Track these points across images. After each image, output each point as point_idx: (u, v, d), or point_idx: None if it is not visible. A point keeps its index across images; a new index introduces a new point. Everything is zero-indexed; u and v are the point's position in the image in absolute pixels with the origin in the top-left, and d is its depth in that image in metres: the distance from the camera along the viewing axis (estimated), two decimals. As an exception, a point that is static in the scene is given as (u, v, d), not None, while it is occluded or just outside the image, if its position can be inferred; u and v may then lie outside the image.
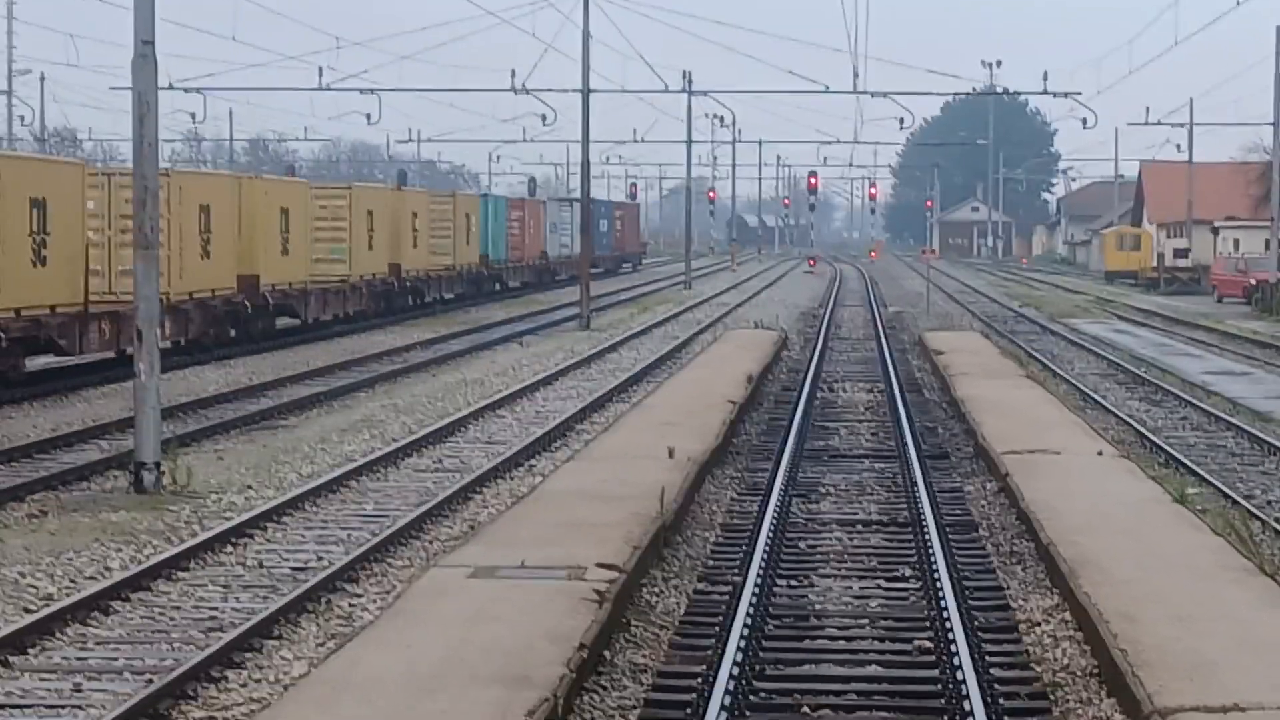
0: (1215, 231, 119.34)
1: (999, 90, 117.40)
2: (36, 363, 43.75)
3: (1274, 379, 50.77)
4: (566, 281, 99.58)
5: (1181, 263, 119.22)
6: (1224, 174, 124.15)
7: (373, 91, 78.23)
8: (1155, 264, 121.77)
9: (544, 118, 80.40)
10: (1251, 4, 78.88)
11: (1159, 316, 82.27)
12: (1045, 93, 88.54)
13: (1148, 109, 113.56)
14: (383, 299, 71.12)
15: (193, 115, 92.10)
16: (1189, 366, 54.47)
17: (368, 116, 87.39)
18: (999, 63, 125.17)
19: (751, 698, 16.04)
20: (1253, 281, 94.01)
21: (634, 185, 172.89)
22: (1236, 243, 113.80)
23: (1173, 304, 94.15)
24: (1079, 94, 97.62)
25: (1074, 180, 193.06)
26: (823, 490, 28.92)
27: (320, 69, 74.53)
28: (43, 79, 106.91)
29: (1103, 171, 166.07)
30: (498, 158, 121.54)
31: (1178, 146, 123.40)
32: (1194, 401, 43.55)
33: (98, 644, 18.17)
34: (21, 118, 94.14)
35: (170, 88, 75.36)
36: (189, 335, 49.64)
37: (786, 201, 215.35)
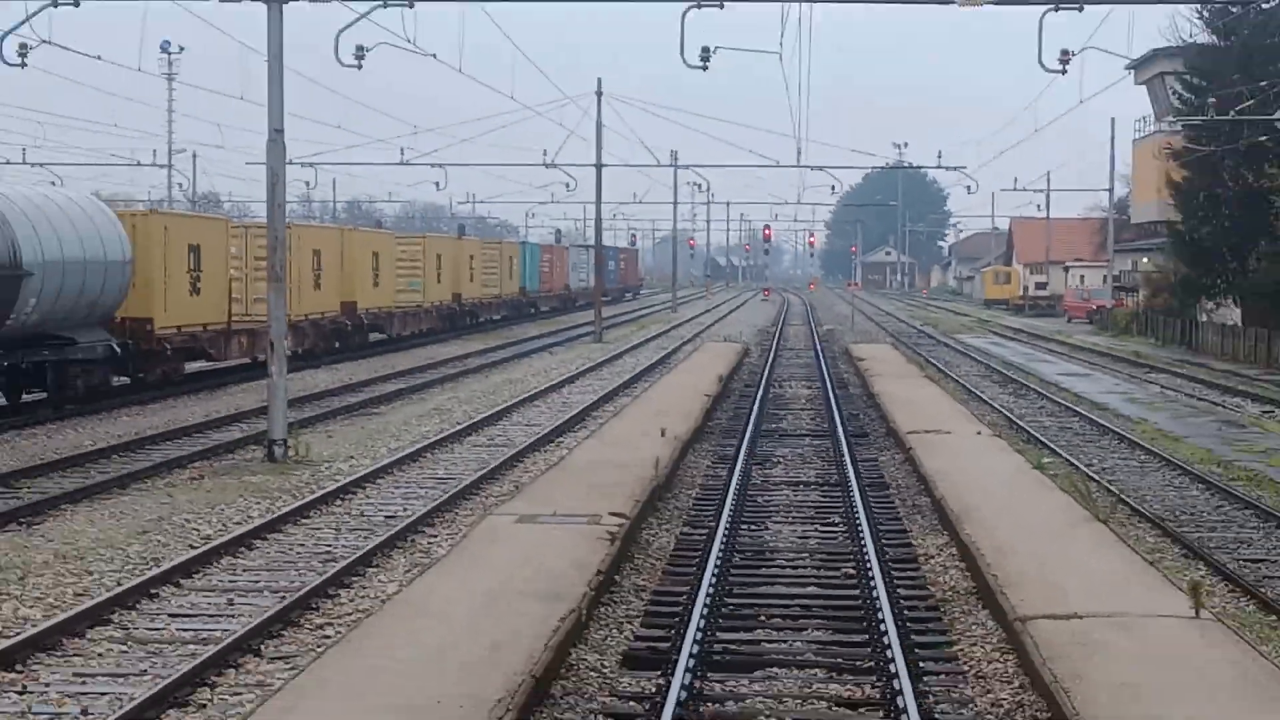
0: (1066, 270, 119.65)
1: (905, 165, 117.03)
2: (192, 366, 43.79)
3: (1109, 378, 50.58)
4: (584, 306, 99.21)
5: (1041, 293, 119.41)
6: (1073, 227, 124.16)
7: (440, 166, 78.15)
8: (1022, 294, 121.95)
9: (567, 185, 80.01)
10: (1093, 102, 79.14)
11: (1024, 333, 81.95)
12: (939, 167, 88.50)
13: (1015, 179, 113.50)
14: (447, 319, 70.73)
15: (307, 183, 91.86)
16: (1045, 369, 54.37)
17: (436, 184, 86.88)
18: (906, 144, 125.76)
19: (723, 609, 16.19)
20: (1094, 306, 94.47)
21: (634, 235, 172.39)
22: (1082, 278, 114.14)
23: (1034, 323, 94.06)
24: (964, 168, 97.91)
25: (961, 231, 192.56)
26: (775, 460, 28.92)
27: (401, 149, 74.51)
28: (195, 156, 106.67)
29: (983, 225, 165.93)
30: (533, 214, 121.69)
31: (1038, 206, 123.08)
32: (1048, 395, 43.63)
33: (244, 571, 18.42)
34: (180, 185, 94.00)
35: (290, 163, 75.02)
36: (304, 346, 49.56)
37: (747, 247, 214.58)
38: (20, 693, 12.87)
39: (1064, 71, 27.22)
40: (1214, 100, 57.64)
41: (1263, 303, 56.69)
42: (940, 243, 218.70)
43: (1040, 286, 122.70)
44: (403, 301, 63.45)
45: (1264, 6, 58.13)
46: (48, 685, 13.26)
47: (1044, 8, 25.85)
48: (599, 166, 67.72)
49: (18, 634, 14.57)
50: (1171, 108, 68.36)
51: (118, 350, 37.40)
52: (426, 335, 66.79)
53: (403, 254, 65.07)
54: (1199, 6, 56.41)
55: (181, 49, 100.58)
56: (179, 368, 42.00)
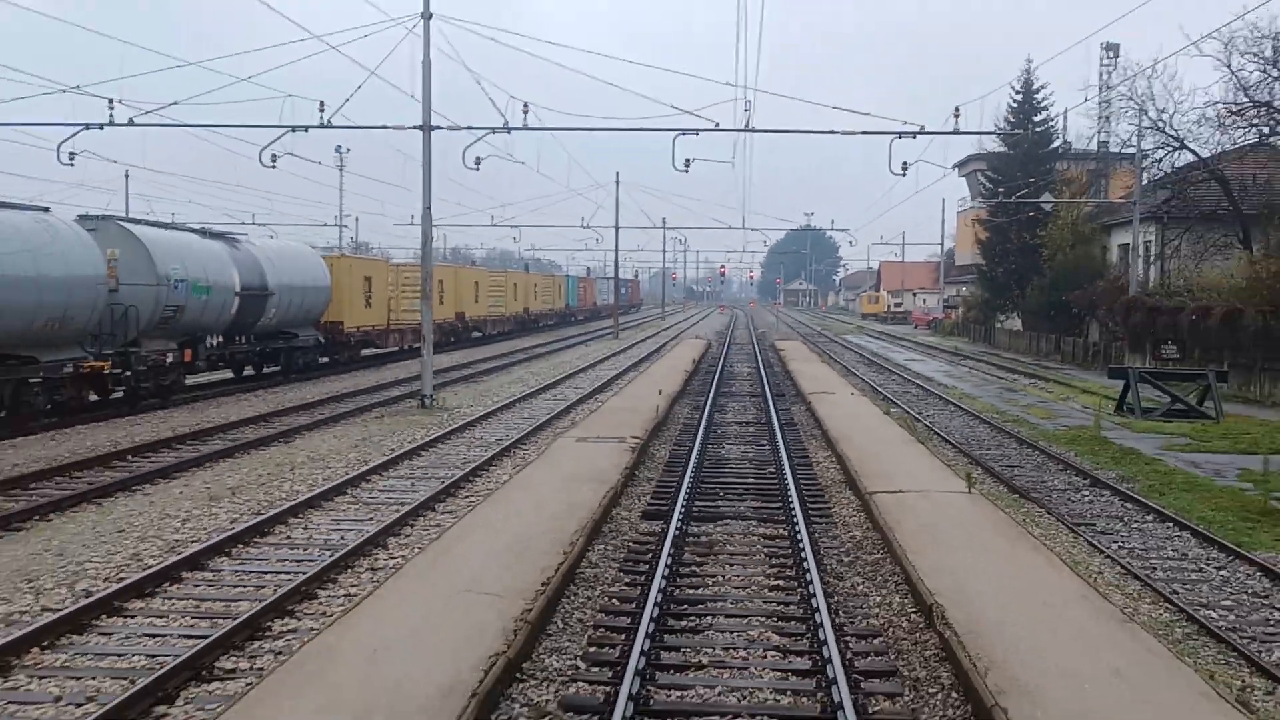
0: (914, 294, 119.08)
1: (811, 226, 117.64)
2: (366, 352, 44.19)
3: (936, 362, 50.21)
4: (606, 316, 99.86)
5: (898, 309, 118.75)
6: (919, 266, 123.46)
7: (516, 226, 79.14)
8: (886, 310, 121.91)
9: (597, 239, 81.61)
10: (934, 187, 79.83)
11: (885, 335, 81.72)
12: (834, 228, 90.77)
13: (881, 235, 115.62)
14: (519, 324, 70.14)
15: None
16: (896, 357, 53.94)
17: (514, 238, 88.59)
18: (812, 212, 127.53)
19: (698, 489, 17.12)
20: (931, 318, 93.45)
21: (636, 270, 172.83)
22: (924, 300, 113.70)
23: (892, 329, 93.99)
24: (847, 229, 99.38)
25: (846, 268, 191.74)
26: (728, 409, 29.02)
27: (491, 215, 76.10)
28: (357, 220, 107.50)
29: (860, 265, 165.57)
30: (573, 257, 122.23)
31: (895, 253, 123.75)
32: (896, 373, 43.44)
33: (418, 468, 19.21)
34: (352, 238, 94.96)
35: (415, 224, 76.07)
36: (433, 340, 50.58)
37: (710, 278, 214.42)
38: (304, 529, 14.34)
39: (904, 174, 27.85)
40: (1002, 190, 58.53)
41: (1033, 317, 57.54)
42: (834, 276, 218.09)
43: (897, 305, 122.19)
44: (492, 313, 63.73)
45: (1035, 132, 59.40)
46: (319, 525, 14.57)
47: (891, 136, 27.09)
48: (616, 228, 68.65)
49: (301, 497, 15.87)
50: (979, 192, 69.12)
51: (322, 341, 38.61)
52: (507, 334, 66.61)
53: (493, 283, 65.77)
54: (996, 132, 57.15)
55: (349, 150, 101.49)
56: (358, 352, 42.80)
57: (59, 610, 10.34)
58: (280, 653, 9.36)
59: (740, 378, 39.93)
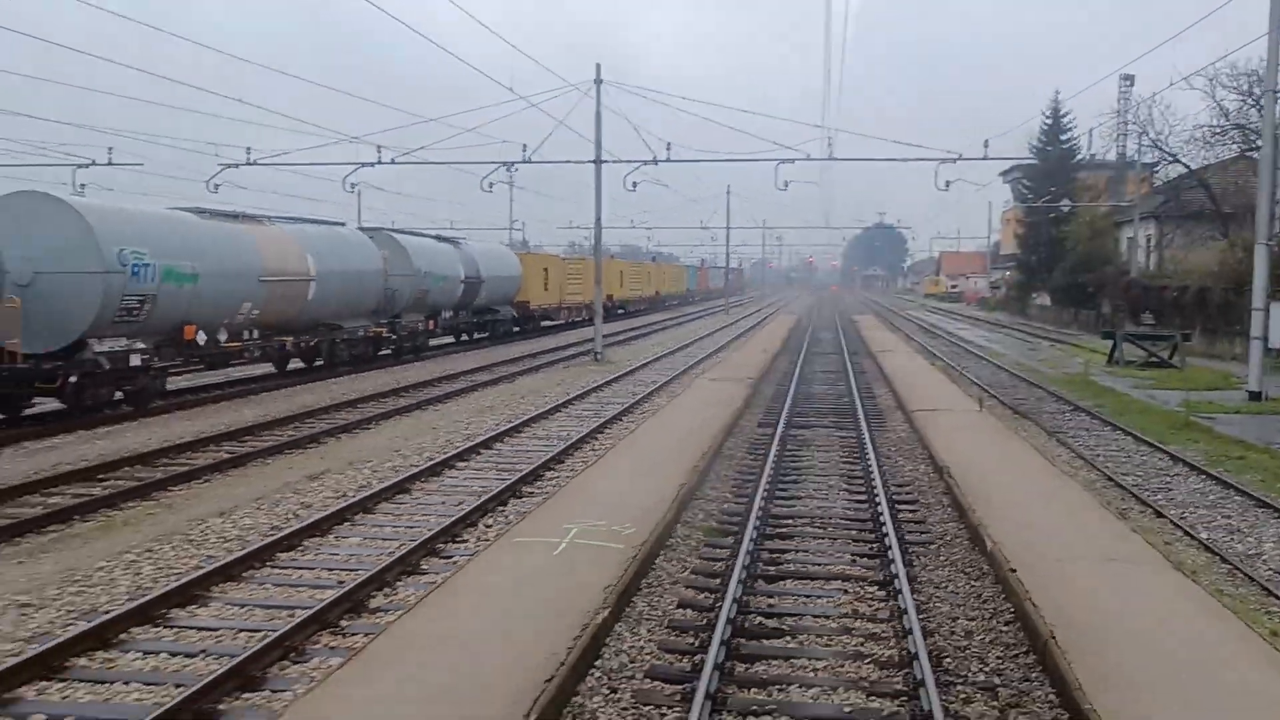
0: (967, 278, 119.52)
1: (884, 224, 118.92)
2: (544, 324, 47.00)
3: (979, 331, 51.48)
4: (717, 298, 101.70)
5: (953, 290, 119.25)
6: (971, 255, 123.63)
7: (649, 227, 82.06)
8: (943, 291, 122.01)
9: (712, 238, 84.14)
10: (983, 192, 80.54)
11: (942, 311, 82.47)
12: (901, 225, 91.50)
13: (939, 230, 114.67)
14: (651, 304, 71.60)
15: (585, 238, 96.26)
16: (948, 326, 54.98)
17: (647, 238, 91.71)
18: (884, 212, 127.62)
19: (795, 410, 19.96)
20: (980, 297, 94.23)
21: (741, 261, 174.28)
22: (975, 282, 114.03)
23: (947, 307, 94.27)
24: (910, 227, 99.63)
25: (912, 256, 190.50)
26: (814, 361, 31.09)
27: (631, 220, 79.34)
28: (524, 225, 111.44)
29: (924, 255, 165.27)
30: (691, 250, 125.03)
31: (953, 244, 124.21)
32: (945, 338, 44.84)
33: (602, 398, 21.79)
34: (525, 240, 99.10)
35: (574, 226, 79.44)
36: (584, 316, 53.73)
37: (800, 267, 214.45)
38: (543, 430, 17.75)
39: (946, 189, 30.17)
40: (1030, 195, 60.21)
41: (1058, 294, 58.95)
42: (902, 264, 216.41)
43: (953, 287, 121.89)
44: (632, 295, 65.56)
45: (1062, 148, 60.61)
46: (551, 428, 17.77)
47: (936, 162, 29.57)
48: (728, 228, 71.33)
49: (534, 413, 19.22)
50: (1019, 196, 70.59)
51: (515, 315, 42.63)
52: (643, 311, 68.03)
53: (632, 271, 68.34)
54: (1014, 158, 58.50)
55: (517, 169, 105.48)
56: (539, 324, 46.09)
57: (415, 467, 14.08)
58: (558, 482, 12.94)
59: (824, 341, 41.77)
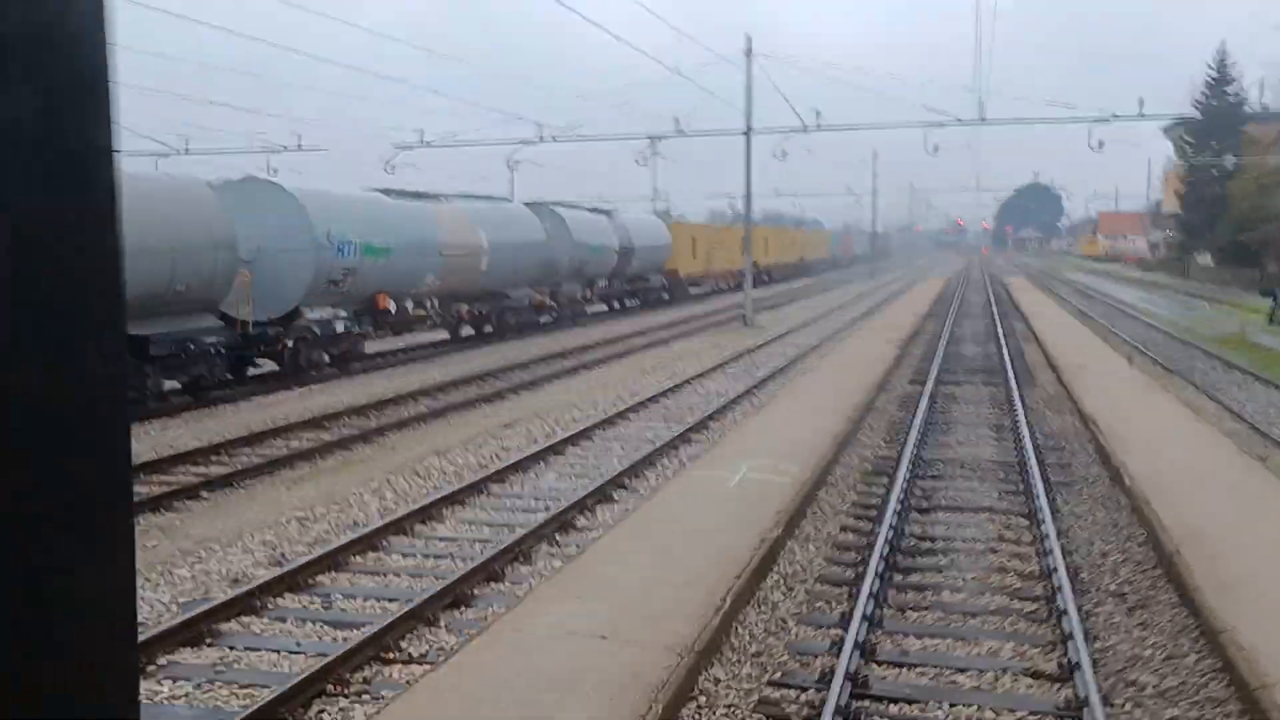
0: (1125, 238, 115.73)
1: (1038, 183, 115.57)
2: (692, 291, 47.61)
3: (1136, 291, 50.64)
4: (862, 263, 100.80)
5: (1112, 250, 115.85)
6: (1130, 215, 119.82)
7: (794, 195, 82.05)
8: (1101, 251, 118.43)
9: (856, 201, 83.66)
10: (1154, 142, 77.98)
11: (1099, 272, 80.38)
12: (1054, 186, 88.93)
13: (1095, 190, 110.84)
14: (796, 270, 70.97)
15: (731, 207, 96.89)
16: (1103, 287, 53.91)
17: (793, 203, 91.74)
18: (1038, 173, 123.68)
19: (942, 377, 20.60)
20: (1139, 258, 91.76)
21: (885, 225, 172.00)
22: (1134, 241, 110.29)
23: (1105, 268, 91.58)
24: (1063, 187, 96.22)
25: (1069, 217, 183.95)
26: (964, 323, 31.14)
27: (775, 187, 79.89)
28: (667, 195, 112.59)
29: (1080, 215, 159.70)
30: (837, 216, 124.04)
31: (1116, 203, 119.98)
32: (1100, 299, 44.28)
33: (756, 360, 22.88)
34: (667, 210, 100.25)
35: (727, 195, 79.99)
36: (737, 283, 54.58)
37: (949, 230, 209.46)
38: (703, 388, 19.23)
39: (1100, 149, 30.14)
40: (1191, 153, 58.07)
41: (1221, 254, 57.07)
42: (1058, 224, 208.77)
43: (1112, 247, 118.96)
44: (778, 261, 65.24)
45: (1229, 100, 58.14)
46: (713, 385, 19.08)
47: (1089, 123, 29.52)
48: (874, 192, 71.25)
49: (695, 373, 20.75)
50: (1180, 152, 68.00)
51: (665, 282, 44.08)
52: (787, 277, 67.52)
53: (777, 238, 68.32)
54: (1169, 115, 56.56)
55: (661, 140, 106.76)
56: (687, 291, 47.03)
57: (592, 419, 15.59)
58: (723, 430, 14.26)
59: (973, 304, 41.81)
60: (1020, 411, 15.19)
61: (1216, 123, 57.49)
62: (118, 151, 0.77)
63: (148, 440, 13.69)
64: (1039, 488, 10.59)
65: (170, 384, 16.62)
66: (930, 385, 18.10)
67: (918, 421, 14.55)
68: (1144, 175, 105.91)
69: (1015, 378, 18.85)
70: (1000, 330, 28.53)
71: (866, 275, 72.56)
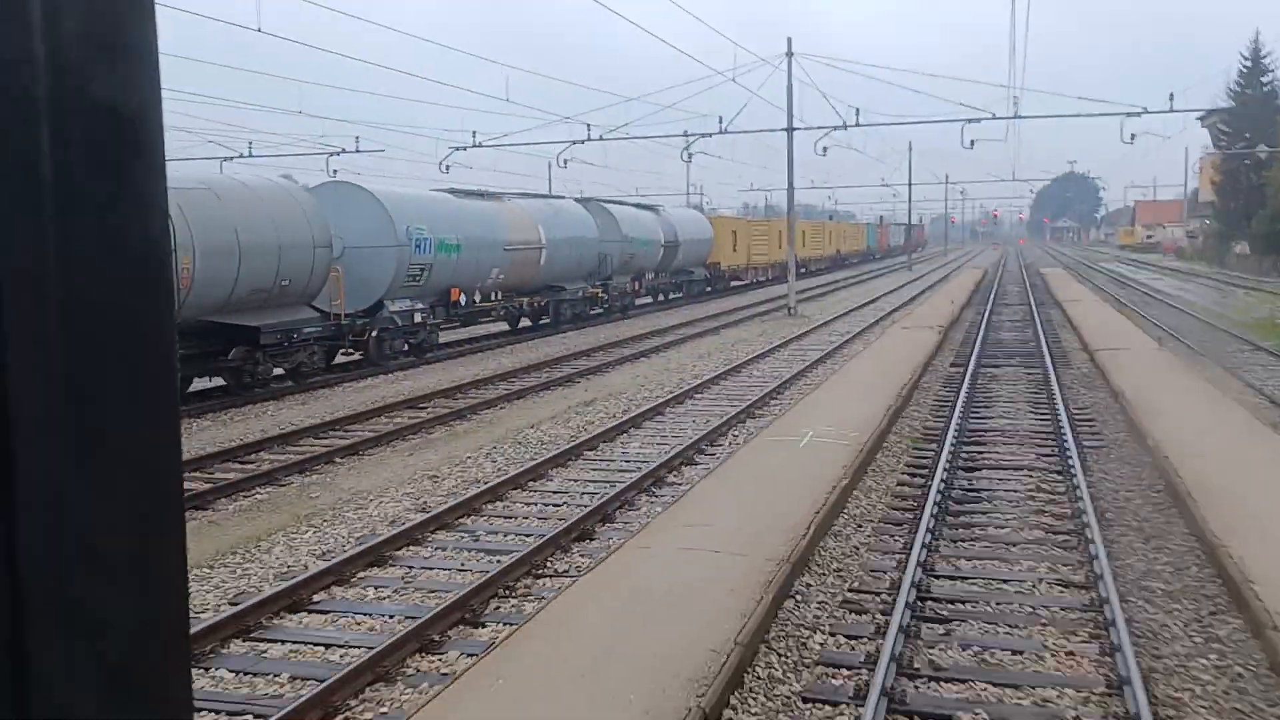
0: (1163, 227, 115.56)
1: (1075, 173, 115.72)
2: (733, 284, 48.71)
3: (1173, 280, 51.16)
4: (898, 255, 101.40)
5: (1149, 240, 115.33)
6: (1167, 204, 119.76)
7: (830, 187, 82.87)
8: (1139, 241, 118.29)
9: (894, 195, 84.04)
10: (1178, 138, 78.38)
11: (1136, 262, 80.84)
12: (1091, 175, 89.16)
13: (1133, 180, 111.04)
14: (833, 262, 72.23)
15: (766, 201, 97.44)
16: (1140, 277, 54.73)
17: (829, 197, 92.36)
18: (1074, 161, 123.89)
19: (982, 360, 21.80)
20: (1176, 246, 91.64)
21: (921, 216, 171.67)
22: (1172, 231, 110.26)
23: (1143, 257, 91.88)
24: (1100, 177, 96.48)
25: (1106, 207, 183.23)
26: (1002, 311, 32.08)
27: (811, 180, 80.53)
28: (702, 189, 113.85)
29: (1118, 205, 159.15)
30: (871, 208, 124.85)
31: (1154, 192, 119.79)
32: (1136, 288, 45.17)
33: (804, 345, 24.28)
34: (703, 204, 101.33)
35: (759, 188, 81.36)
36: (774, 275, 56.07)
37: (985, 221, 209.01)
38: (759, 370, 20.80)
39: (1131, 142, 31.27)
40: (1226, 143, 58.63)
41: (1259, 242, 57.66)
42: (1095, 214, 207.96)
43: (1149, 237, 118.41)
44: (814, 254, 66.65)
45: (1265, 89, 58.68)
46: (766, 368, 20.80)
47: (1121, 116, 30.60)
48: (910, 185, 72.09)
49: (748, 357, 22.26)
50: (1216, 142, 68.49)
51: (708, 275, 45.48)
52: (824, 270, 68.51)
53: (814, 231, 69.25)
54: (1201, 109, 57.19)
55: (695, 138, 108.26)
56: (729, 283, 48.36)
57: (661, 398, 17.17)
58: (784, 405, 15.80)
59: (1010, 293, 42.83)
60: (1056, 387, 16.61)
61: (1252, 112, 58.12)
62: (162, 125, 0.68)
63: (268, 419, 15.48)
64: (1072, 449, 12.06)
65: (276, 370, 18.38)
66: (971, 366, 19.49)
67: (961, 398, 16.01)
68: (1181, 164, 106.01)
69: (1052, 360, 20.19)
70: (1037, 318, 29.73)
71: (904, 267, 73.38)
